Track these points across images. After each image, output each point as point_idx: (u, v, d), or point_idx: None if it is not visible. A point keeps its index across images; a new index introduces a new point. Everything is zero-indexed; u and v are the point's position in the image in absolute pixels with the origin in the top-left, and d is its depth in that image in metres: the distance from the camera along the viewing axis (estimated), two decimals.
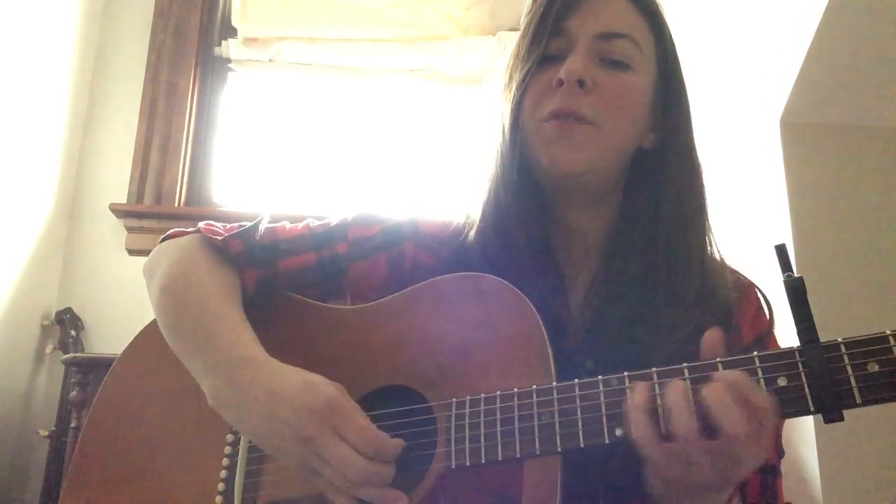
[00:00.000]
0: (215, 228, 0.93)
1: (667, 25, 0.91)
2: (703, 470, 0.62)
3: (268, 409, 0.73)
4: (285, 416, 0.71)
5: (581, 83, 0.82)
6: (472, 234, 0.89)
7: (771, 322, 0.89)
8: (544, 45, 0.86)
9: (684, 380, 0.65)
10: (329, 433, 0.70)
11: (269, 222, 0.96)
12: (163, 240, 0.96)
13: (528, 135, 0.86)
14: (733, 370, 0.64)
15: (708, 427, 0.61)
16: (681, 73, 0.91)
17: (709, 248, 0.88)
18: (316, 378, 0.75)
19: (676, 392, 0.63)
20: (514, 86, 0.87)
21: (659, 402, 0.64)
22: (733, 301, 0.86)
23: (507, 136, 0.86)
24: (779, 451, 0.85)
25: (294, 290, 0.92)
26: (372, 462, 0.70)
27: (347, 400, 0.74)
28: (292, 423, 0.71)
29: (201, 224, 0.94)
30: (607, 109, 0.83)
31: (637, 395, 0.65)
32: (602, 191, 0.88)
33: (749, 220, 1.74)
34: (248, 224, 0.93)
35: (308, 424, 0.70)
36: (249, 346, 0.80)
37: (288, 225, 0.97)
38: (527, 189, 0.86)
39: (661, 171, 0.87)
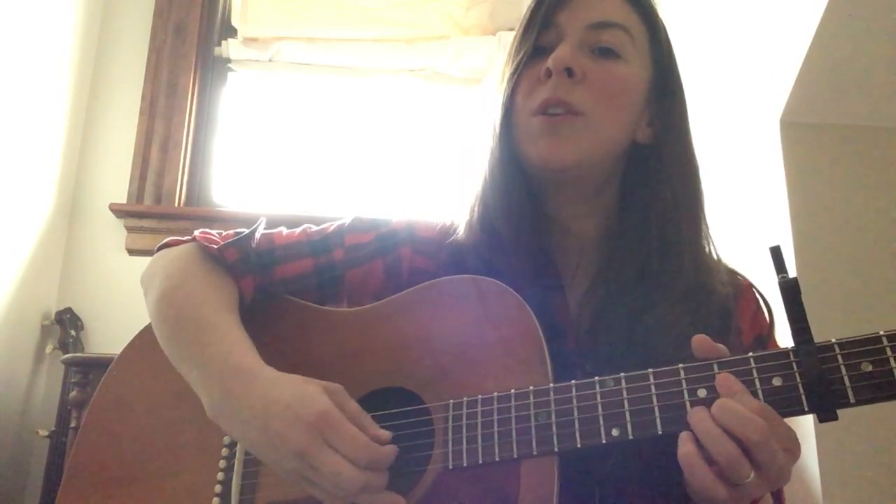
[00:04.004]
0: (211, 237, 0.93)
1: (660, 20, 0.90)
2: (751, 485, 0.62)
3: (262, 420, 0.72)
4: (278, 429, 0.71)
5: (570, 71, 0.82)
6: (461, 230, 0.89)
7: (770, 322, 0.88)
8: (534, 38, 0.85)
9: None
10: (321, 445, 0.70)
11: (266, 227, 0.96)
12: (159, 248, 0.96)
13: (518, 129, 0.85)
14: (727, 379, 0.64)
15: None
16: (677, 69, 0.91)
17: (705, 246, 0.88)
18: (310, 388, 0.74)
19: (707, 424, 0.63)
20: (505, 80, 0.87)
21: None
22: (731, 301, 0.85)
23: (498, 131, 0.86)
24: None
25: (292, 295, 0.92)
26: (365, 472, 0.70)
27: (347, 401, 0.74)
28: (285, 436, 0.70)
29: (197, 232, 0.93)
30: (597, 99, 0.82)
31: (686, 445, 0.64)
32: (595, 185, 0.88)
33: (749, 220, 1.74)
34: (244, 231, 0.93)
35: (300, 437, 0.70)
36: (245, 356, 0.79)
37: (285, 231, 0.96)
38: (515, 183, 0.86)
39: (657, 167, 0.87)
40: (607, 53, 0.84)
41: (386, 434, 0.73)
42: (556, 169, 0.83)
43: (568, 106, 0.82)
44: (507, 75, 0.87)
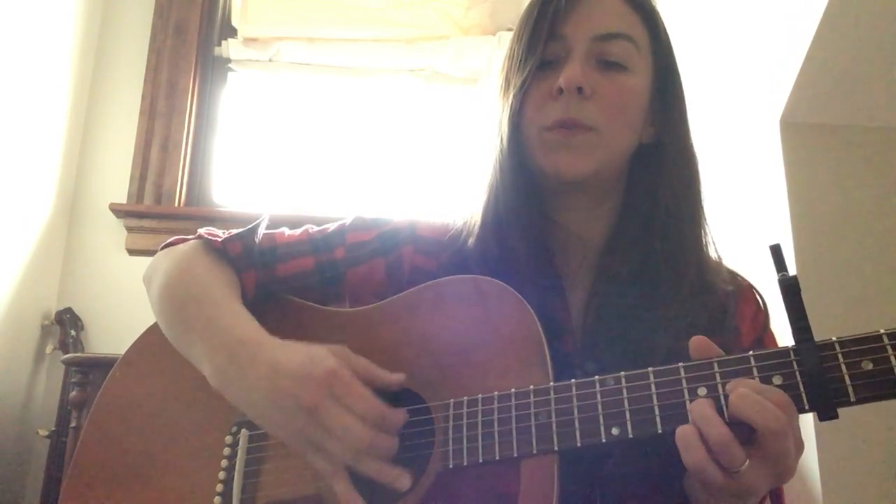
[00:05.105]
0: (215, 233, 0.94)
1: (661, 20, 0.91)
2: (749, 475, 0.62)
3: (270, 382, 0.73)
4: (287, 387, 0.72)
5: (580, 90, 0.82)
6: (471, 241, 0.89)
7: (765, 316, 0.89)
8: (541, 50, 0.86)
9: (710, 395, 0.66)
10: (332, 401, 0.70)
11: (268, 227, 0.97)
12: (163, 248, 0.97)
13: (529, 142, 0.86)
14: (741, 380, 0.65)
15: (745, 433, 0.62)
16: (676, 68, 0.92)
17: (705, 245, 0.88)
18: (317, 349, 0.75)
19: (703, 406, 0.64)
20: (513, 93, 0.87)
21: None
22: (730, 299, 0.86)
23: (507, 144, 0.86)
24: None
25: (293, 294, 0.92)
26: (373, 430, 0.70)
27: (352, 357, 0.76)
28: (295, 393, 0.71)
29: (201, 230, 0.94)
30: (607, 114, 0.83)
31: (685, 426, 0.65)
32: (602, 192, 0.89)
33: (749, 220, 1.74)
34: (247, 227, 0.93)
35: (310, 393, 0.70)
36: (249, 326, 0.81)
37: (287, 231, 0.97)
38: (527, 196, 0.86)
39: (658, 166, 0.88)
40: (614, 66, 0.85)
41: (399, 377, 0.75)
42: (571, 181, 0.84)
43: (580, 123, 0.83)
44: (515, 89, 0.86)
